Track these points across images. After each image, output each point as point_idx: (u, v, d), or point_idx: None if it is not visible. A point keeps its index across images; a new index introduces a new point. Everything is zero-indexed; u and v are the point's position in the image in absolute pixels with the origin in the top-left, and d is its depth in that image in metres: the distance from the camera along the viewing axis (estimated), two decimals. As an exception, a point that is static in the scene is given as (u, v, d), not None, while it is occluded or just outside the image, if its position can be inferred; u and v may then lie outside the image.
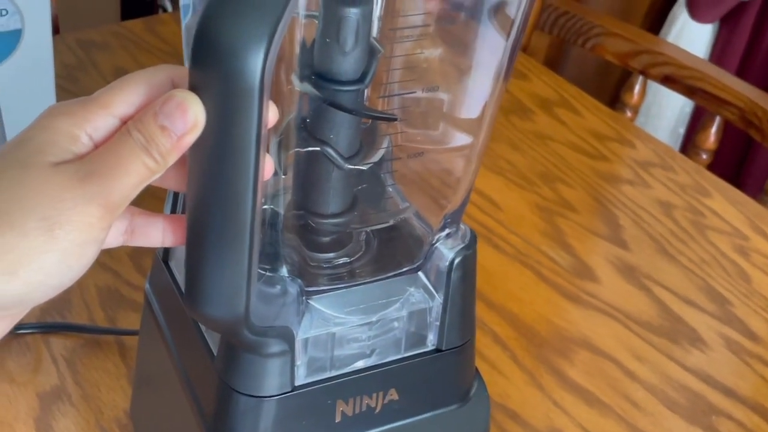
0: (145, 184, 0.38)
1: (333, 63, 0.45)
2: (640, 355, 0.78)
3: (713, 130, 1.15)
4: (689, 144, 1.18)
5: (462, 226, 0.51)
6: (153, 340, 0.57)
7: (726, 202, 0.97)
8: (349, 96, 0.46)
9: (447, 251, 0.50)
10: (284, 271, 0.47)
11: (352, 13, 0.44)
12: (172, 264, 0.55)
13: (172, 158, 0.38)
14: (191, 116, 0.37)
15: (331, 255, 0.51)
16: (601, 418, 0.72)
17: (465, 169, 0.49)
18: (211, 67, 0.35)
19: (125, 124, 0.38)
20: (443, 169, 0.51)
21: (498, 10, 0.43)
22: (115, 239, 0.43)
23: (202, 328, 0.51)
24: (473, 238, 0.51)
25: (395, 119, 0.46)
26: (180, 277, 0.54)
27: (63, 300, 0.75)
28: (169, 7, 2.02)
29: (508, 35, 0.44)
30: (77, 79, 0.99)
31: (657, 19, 1.62)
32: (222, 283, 0.40)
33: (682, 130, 1.54)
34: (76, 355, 0.70)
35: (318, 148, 0.48)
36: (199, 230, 0.39)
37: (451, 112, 0.48)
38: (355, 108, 0.45)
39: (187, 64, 0.54)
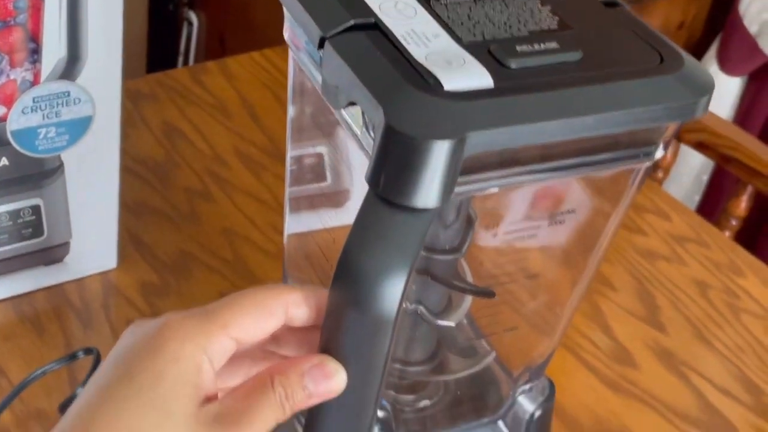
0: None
1: (432, 235, 0.47)
2: (678, 449, 0.80)
3: (745, 197, 1.17)
4: (720, 207, 1.20)
5: (543, 378, 0.53)
6: None
7: (760, 284, 0.99)
8: (443, 264, 0.48)
9: (528, 404, 0.52)
10: (377, 430, 0.49)
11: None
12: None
13: (296, 411, 0.40)
14: (334, 386, 0.39)
15: (411, 397, 0.53)
16: None
17: (552, 329, 0.51)
18: (351, 292, 0.36)
19: (241, 345, 0.41)
20: (531, 330, 0.53)
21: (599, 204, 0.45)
22: None
23: None
24: (552, 391, 0.53)
25: (493, 295, 0.48)
26: None
27: (123, 381, 0.77)
28: (194, 20, 2.02)
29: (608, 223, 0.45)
30: (128, 135, 1.00)
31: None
32: None
33: (705, 177, 1.56)
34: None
35: (410, 305, 0.50)
36: (321, 426, 0.41)
37: (545, 288, 0.50)
38: (455, 284, 0.47)
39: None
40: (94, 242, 0.82)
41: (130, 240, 0.88)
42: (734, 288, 0.98)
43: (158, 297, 0.84)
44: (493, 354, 0.54)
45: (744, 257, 1.02)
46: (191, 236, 0.91)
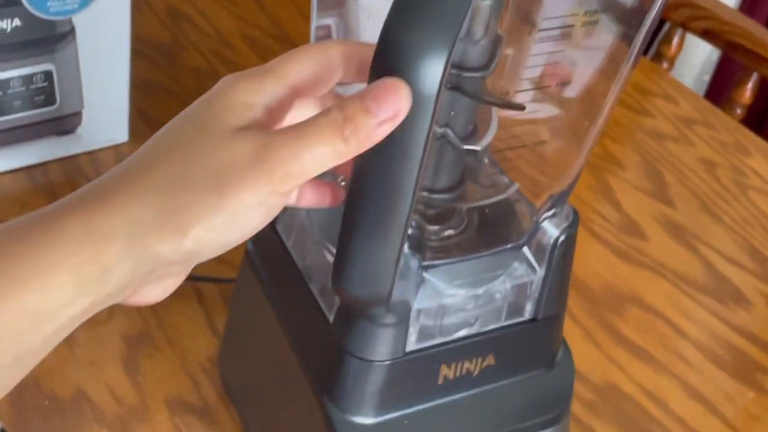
0: (327, 167, 0.38)
1: (461, 50, 0.47)
2: (688, 313, 0.82)
3: (750, 85, 1.17)
4: (724, 98, 1.20)
5: (566, 206, 0.54)
6: (254, 297, 0.60)
7: (766, 162, 1.00)
8: (472, 81, 0.48)
9: (552, 229, 0.53)
10: (406, 246, 0.49)
11: (485, 4, 0.46)
12: (279, 228, 0.57)
13: (364, 145, 0.37)
14: (400, 101, 0.36)
15: (436, 228, 0.54)
16: (654, 374, 0.76)
17: (577, 154, 0.52)
18: (392, 68, 0.36)
19: (302, 96, 0.40)
20: (554, 153, 0.53)
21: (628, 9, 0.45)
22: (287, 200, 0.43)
23: (315, 292, 0.54)
24: (576, 218, 0.53)
25: (523, 108, 0.48)
26: (288, 241, 0.56)
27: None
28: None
29: (638, 28, 0.45)
30: (134, 19, 0.99)
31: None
32: (374, 268, 0.42)
33: (707, 78, 1.56)
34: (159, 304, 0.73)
35: (438, 129, 0.50)
36: (358, 219, 0.41)
37: (570, 101, 0.50)
38: (484, 98, 0.47)
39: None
40: (105, 114, 0.82)
41: (139, 116, 0.88)
42: (741, 166, 0.99)
43: (171, 169, 0.84)
44: (516, 185, 0.54)
45: (750, 138, 1.03)
46: (201, 113, 0.91)
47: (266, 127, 0.39)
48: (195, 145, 0.38)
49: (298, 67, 0.40)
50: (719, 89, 1.55)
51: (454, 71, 0.47)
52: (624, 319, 0.80)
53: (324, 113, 0.37)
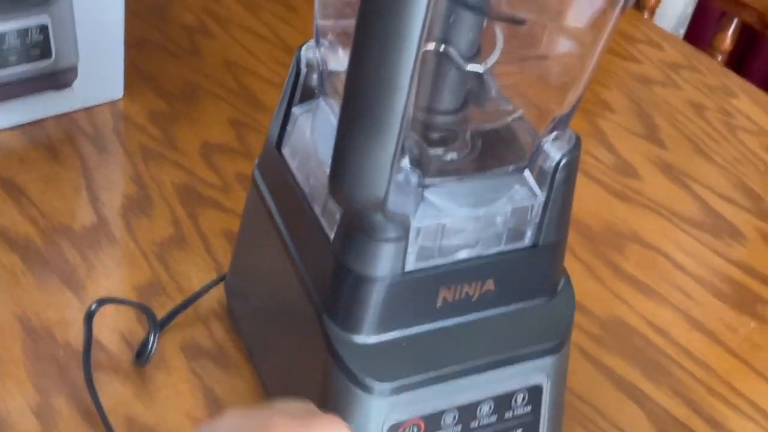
0: None
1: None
2: (686, 249, 0.83)
3: (730, 32, 1.18)
4: (705, 45, 1.21)
5: (568, 130, 0.54)
6: (259, 222, 0.60)
7: (752, 103, 1.01)
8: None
9: (554, 152, 0.53)
10: (407, 161, 0.49)
11: None
12: (285, 152, 0.58)
13: None
14: None
15: (439, 151, 0.54)
16: (657, 307, 0.77)
17: (579, 74, 0.52)
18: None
19: None
20: (555, 75, 0.54)
21: None
22: None
23: (317, 212, 0.54)
24: (578, 142, 0.54)
25: (523, 22, 0.49)
26: (293, 164, 0.57)
27: (143, 197, 0.77)
28: None
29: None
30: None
31: None
32: (370, 166, 0.43)
33: (682, 31, 1.57)
34: (165, 250, 0.73)
35: (441, 47, 0.50)
36: (355, 114, 0.42)
37: (569, 17, 0.51)
38: (485, 8, 0.47)
39: None
40: (101, 69, 0.82)
41: (134, 72, 0.88)
42: (729, 108, 1.00)
43: (169, 123, 0.84)
44: (520, 111, 0.55)
45: (735, 80, 1.04)
46: (195, 68, 0.91)
47: None
48: None
49: None
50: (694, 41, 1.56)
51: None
52: (624, 255, 0.81)
53: None
